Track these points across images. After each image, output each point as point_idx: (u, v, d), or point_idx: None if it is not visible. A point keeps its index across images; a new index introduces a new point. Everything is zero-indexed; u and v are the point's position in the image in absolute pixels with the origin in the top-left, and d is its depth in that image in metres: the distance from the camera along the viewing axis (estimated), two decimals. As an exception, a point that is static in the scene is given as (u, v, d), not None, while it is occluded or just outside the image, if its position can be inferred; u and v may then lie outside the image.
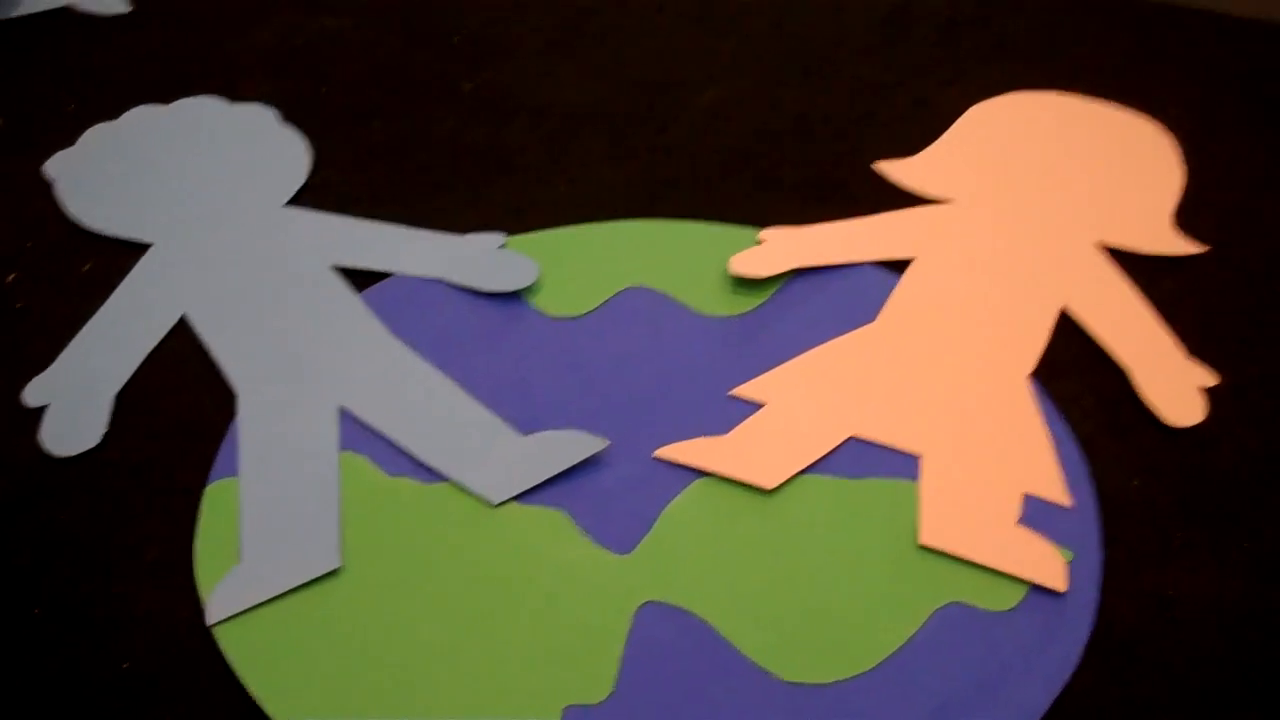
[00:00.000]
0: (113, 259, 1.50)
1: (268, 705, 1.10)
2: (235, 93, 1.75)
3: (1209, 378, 1.34)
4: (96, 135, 1.69)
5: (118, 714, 1.10)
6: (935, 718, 1.08)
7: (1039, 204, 1.54)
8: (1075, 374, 1.35)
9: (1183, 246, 1.48)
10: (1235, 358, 1.36)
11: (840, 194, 1.58)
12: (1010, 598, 1.16)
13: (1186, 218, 1.53)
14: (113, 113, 1.72)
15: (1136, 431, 1.30)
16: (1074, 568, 1.18)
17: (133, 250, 1.51)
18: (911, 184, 1.58)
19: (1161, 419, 1.30)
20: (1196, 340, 1.38)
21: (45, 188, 1.61)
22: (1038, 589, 1.16)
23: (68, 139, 1.68)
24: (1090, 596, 1.16)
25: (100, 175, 1.62)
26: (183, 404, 1.35)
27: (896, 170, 1.60)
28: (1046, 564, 1.17)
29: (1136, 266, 1.46)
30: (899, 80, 1.76)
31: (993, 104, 1.70)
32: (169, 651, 1.15)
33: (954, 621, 1.14)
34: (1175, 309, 1.41)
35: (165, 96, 1.75)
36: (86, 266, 1.50)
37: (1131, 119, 1.67)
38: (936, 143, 1.65)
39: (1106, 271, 1.45)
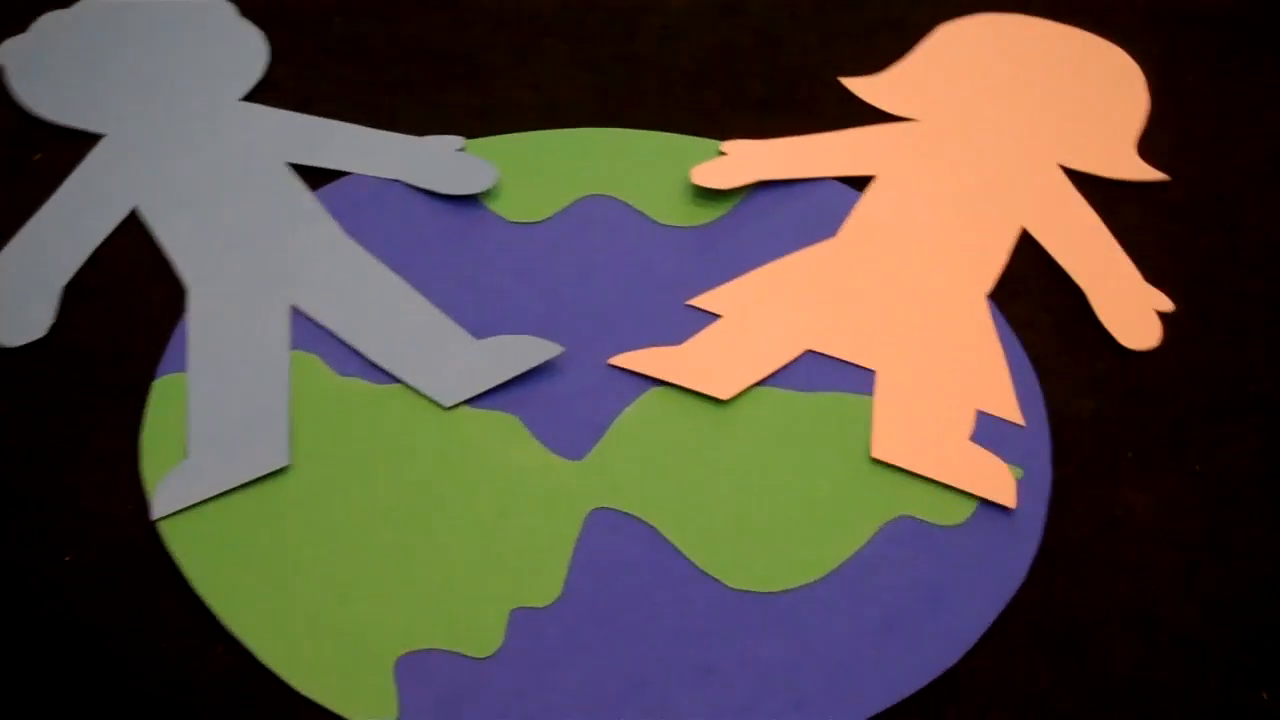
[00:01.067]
0: (64, 149, 1.47)
1: (212, 601, 1.10)
2: (193, -14, 1.71)
3: (1165, 302, 1.34)
4: (50, 22, 1.64)
5: (60, 605, 1.10)
6: (882, 629, 1.08)
7: (1003, 125, 1.53)
8: (1033, 294, 1.35)
9: (1145, 173, 1.48)
10: (1192, 285, 1.36)
11: (805, 109, 1.56)
12: (960, 513, 1.16)
13: (1150, 145, 1.52)
14: (67, 0, 1.68)
15: (1092, 353, 1.30)
16: (1024, 485, 1.18)
17: (85, 140, 1.48)
18: (877, 101, 1.56)
19: (1118, 341, 1.30)
20: (1155, 266, 1.37)
21: (-4, 75, 1.57)
22: (987, 505, 1.17)
23: (20, 24, 1.63)
24: (1039, 513, 1.16)
25: (53, 63, 1.58)
26: (132, 298, 1.33)
27: (862, 86, 1.58)
28: (997, 480, 1.17)
29: (1098, 191, 1.45)
30: (868, -3, 1.74)
31: (961, 23, 1.68)
32: (113, 544, 1.14)
33: (903, 535, 1.15)
34: (1135, 235, 1.41)
35: (121, -13, 1.71)
36: (37, 155, 1.46)
37: (1100, 45, 1.65)
38: (903, 60, 1.63)
39: (1068, 194, 1.44)
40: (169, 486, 1.16)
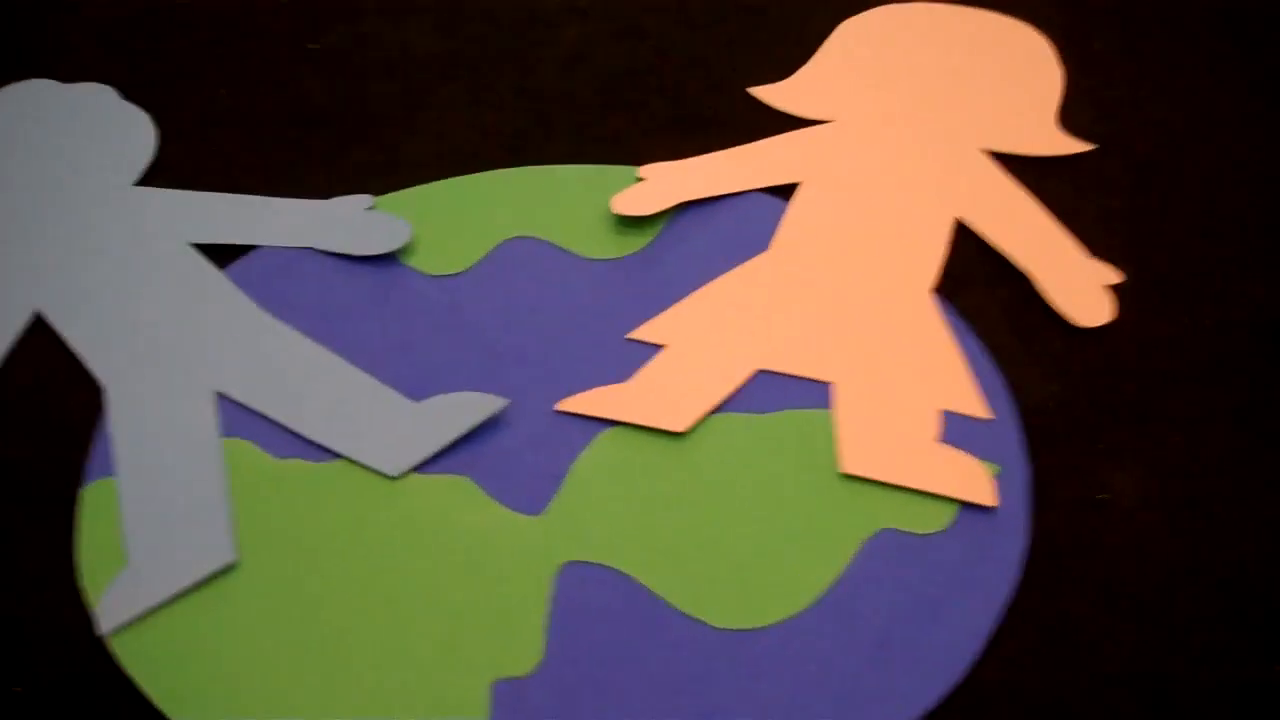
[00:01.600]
0: (-47, 259, 1.40)
1: (174, 714, 1.03)
2: (67, 73, 1.63)
3: (1113, 275, 1.31)
4: (-79, 129, 1.57)
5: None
6: (879, 650, 1.04)
7: (921, 116, 1.50)
8: (978, 284, 1.32)
9: (1070, 145, 1.46)
10: (1136, 252, 1.34)
11: (717, 123, 1.52)
12: (941, 518, 1.12)
13: (1070, 117, 1.50)
14: (-65, 104, 1.61)
15: (1046, 336, 1.27)
16: (1002, 481, 1.15)
17: (-26, 248, 1.41)
18: (789, 107, 1.53)
19: (1070, 321, 1.27)
20: (1095, 239, 1.35)
21: None
22: (968, 507, 1.13)
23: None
24: (1021, 509, 1.13)
25: (-70, 167, 1.51)
26: (48, 404, 1.26)
27: (772, 94, 1.55)
28: (974, 480, 1.14)
29: (1026, 170, 1.43)
30: (765, 3, 1.70)
31: (863, 18, 1.65)
32: (63, 668, 1.07)
33: (886, 549, 1.11)
34: (1070, 209, 1.38)
35: (-9, 84, 1.64)
36: (-75, 270, 1.39)
37: (1004, 22, 1.63)
38: (809, 62, 1.60)
39: (997, 177, 1.42)
40: (113, 598, 1.10)
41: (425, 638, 1.07)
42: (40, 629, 1.10)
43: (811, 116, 1.51)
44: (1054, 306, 1.29)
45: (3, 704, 1.05)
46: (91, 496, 1.18)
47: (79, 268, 1.38)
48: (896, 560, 1.10)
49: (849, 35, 1.63)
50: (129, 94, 1.60)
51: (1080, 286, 1.30)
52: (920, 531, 1.11)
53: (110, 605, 1.09)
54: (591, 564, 1.11)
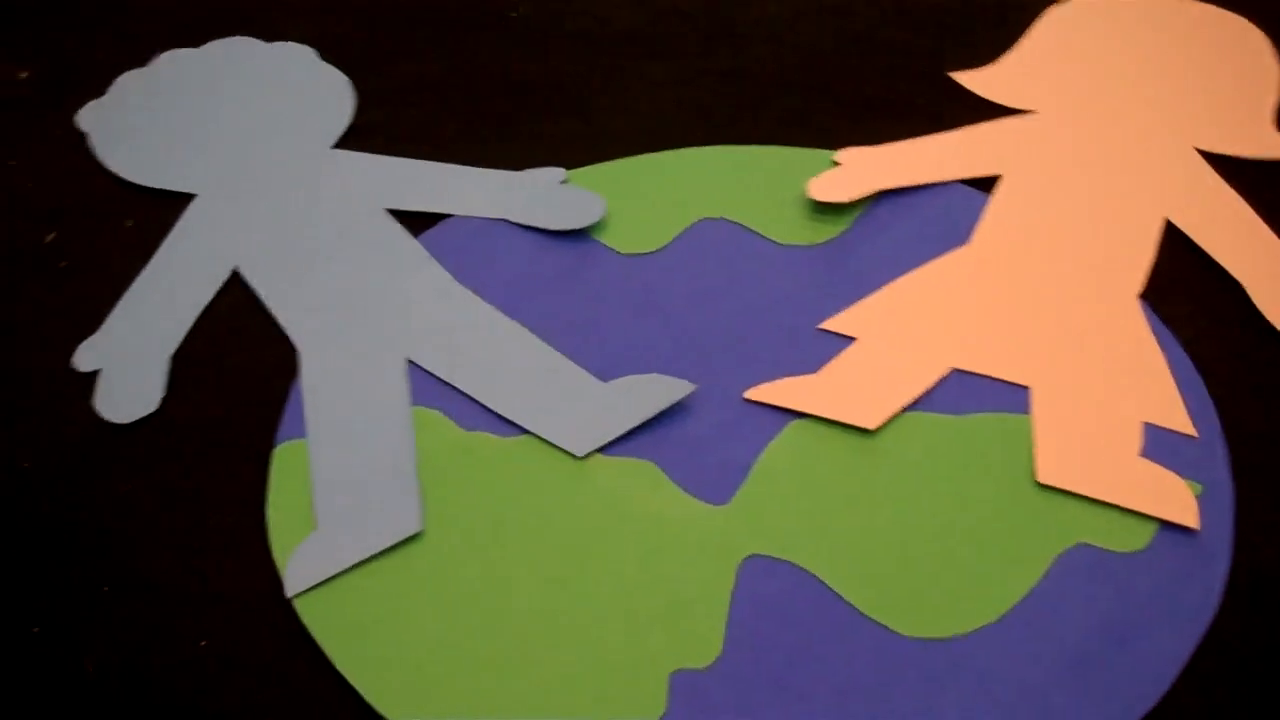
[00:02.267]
0: (156, 212, 1.43)
1: (356, 679, 1.05)
2: (270, 32, 1.66)
3: (1330, 289, 1.26)
4: (128, 83, 1.61)
5: (199, 693, 1.05)
6: (1071, 670, 1.01)
7: (1129, 110, 1.45)
8: (1186, 291, 1.27)
9: (1287, 149, 1.40)
10: (1357, 266, 1.28)
11: (916, 109, 1.49)
12: (1140, 537, 1.08)
13: (1288, 118, 1.44)
14: (143, 58, 1.64)
15: (1258, 350, 1.22)
16: (1205, 502, 1.10)
17: (176, 202, 1.44)
18: (992, 94, 1.49)
19: (1284, 335, 1.22)
20: (1312, 249, 1.29)
21: (79, 141, 1.53)
22: (1168, 526, 1.09)
23: (98, 88, 1.60)
24: (1225, 532, 1.09)
25: (136, 125, 1.54)
26: (242, 363, 1.28)
27: (974, 81, 1.51)
28: (1176, 498, 1.10)
29: (1238, 172, 1.37)
30: (968, -15, 1.67)
31: (1072, 4, 1.60)
32: (247, 626, 1.09)
33: (1081, 565, 1.07)
34: (1284, 216, 1.33)
35: (196, 39, 1.66)
36: (129, 222, 1.42)
37: (1220, 15, 1.57)
38: (1014, 49, 1.56)
39: (1210, 179, 1.36)
40: (300, 562, 1.11)
41: (604, 622, 1.07)
42: (228, 587, 1.12)
43: (1015, 105, 1.47)
44: (1267, 317, 1.23)
45: (189, 657, 1.07)
46: (282, 457, 1.20)
47: (276, 227, 1.40)
48: (1092, 577, 1.06)
49: (1057, 21, 1.59)
50: (328, 55, 1.62)
51: (1295, 298, 1.25)
52: (1118, 549, 1.08)
53: (297, 568, 1.11)
54: (776, 559, 1.10)
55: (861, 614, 1.06)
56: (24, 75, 1.64)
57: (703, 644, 1.05)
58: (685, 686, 1.02)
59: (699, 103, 1.52)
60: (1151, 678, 1.00)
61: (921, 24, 1.61)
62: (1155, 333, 1.23)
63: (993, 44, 1.57)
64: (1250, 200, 1.34)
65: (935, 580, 1.07)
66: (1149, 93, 1.47)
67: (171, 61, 1.64)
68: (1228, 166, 1.38)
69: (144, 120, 1.55)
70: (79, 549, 1.15)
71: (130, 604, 1.11)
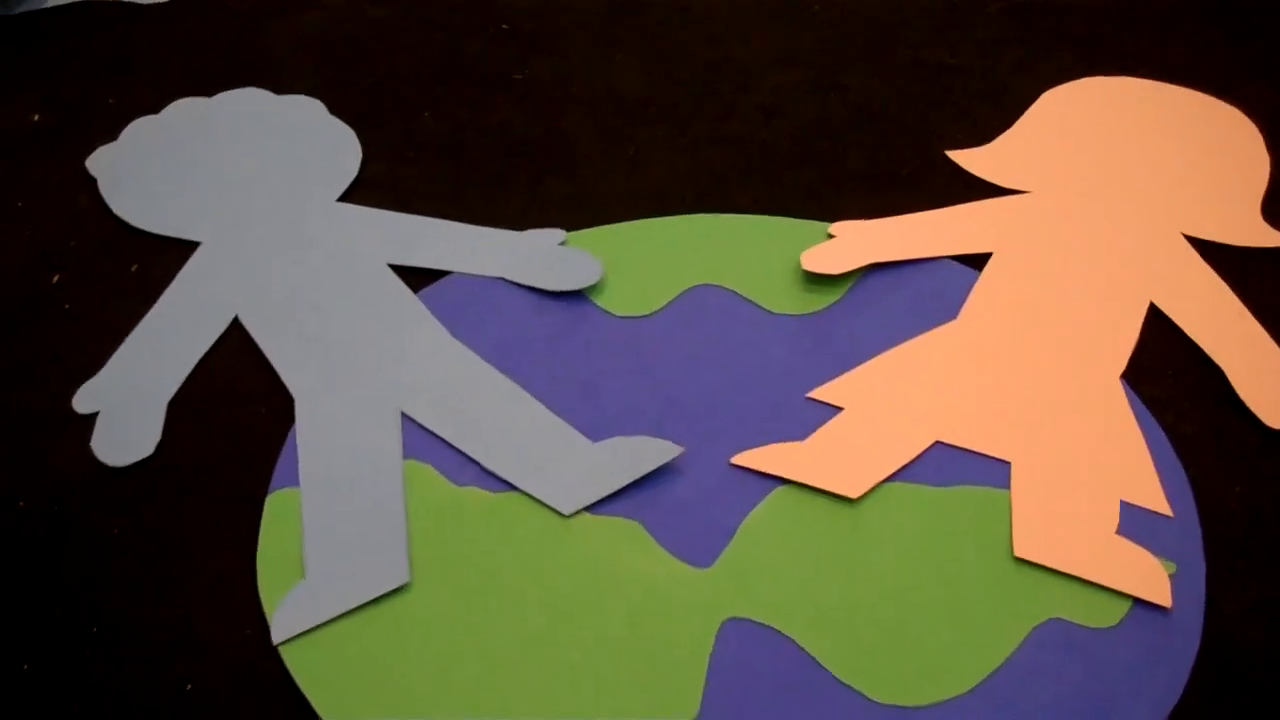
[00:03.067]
0: (160, 258, 1.46)
1: (336, 727, 1.06)
2: (280, 84, 1.69)
3: (1310, 377, 1.28)
4: (139, 129, 1.64)
5: (183, 739, 1.07)
6: (1039, 744, 1.03)
7: (1120, 194, 1.48)
8: (1168, 374, 1.29)
9: (1273, 238, 1.42)
10: (1336, 355, 1.30)
11: (911, 183, 1.52)
12: (1112, 614, 1.10)
13: (1276, 208, 1.46)
14: (155, 106, 1.67)
15: (1236, 434, 1.24)
16: (1178, 581, 1.12)
17: (181, 249, 1.47)
18: (986, 174, 1.52)
19: (1262, 420, 1.24)
20: (1294, 337, 1.32)
21: (88, 184, 1.56)
22: (1141, 604, 1.11)
23: (109, 133, 1.63)
24: (1196, 611, 1.10)
25: (144, 171, 1.57)
26: (238, 410, 1.30)
27: (969, 159, 1.54)
28: (1149, 577, 1.12)
29: (1224, 260, 1.40)
30: (967, 64, 1.70)
31: (1067, 89, 1.64)
32: (233, 671, 1.11)
33: (1054, 639, 1.09)
34: (1268, 304, 1.35)
35: (208, 89, 1.70)
36: (134, 267, 1.45)
37: (1212, 104, 1.60)
38: (1010, 130, 1.59)
39: (1195, 264, 1.39)
40: (288, 609, 1.13)
41: (585, 677, 1.09)
42: (215, 631, 1.13)
43: (1009, 185, 1.50)
44: (1246, 404, 1.26)
45: (175, 700, 1.08)
46: (275, 505, 1.22)
47: (278, 278, 1.42)
48: (1064, 652, 1.08)
49: (1052, 105, 1.62)
50: (336, 109, 1.65)
51: (1275, 385, 1.27)
52: (1091, 625, 1.10)
53: (285, 616, 1.13)
54: (755, 622, 1.11)
55: (836, 679, 1.07)
56: (36, 118, 1.67)
57: (681, 702, 1.07)
58: (662, 745, 1.04)
59: (698, 170, 1.55)
60: (1119, 755, 1.02)
61: (920, 101, 1.64)
62: (1136, 413, 1.25)
63: (992, 122, 1.60)
64: (1235, 287, 1.36)
65: (910, 649, 1.09)
66: (1140, 177, 1.50)
67: (182, 110, 1.67)
68: (1215, 253, 1.41)
69: (152, 166, 1.58)
70: (70, 588, 1.16)
71: (118, 645, 1.12)
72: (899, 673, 1.08)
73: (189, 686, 1.09)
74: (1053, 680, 1.06)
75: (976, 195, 1.50)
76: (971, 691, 1.06)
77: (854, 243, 1.42)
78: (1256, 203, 1.47)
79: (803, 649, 1.10)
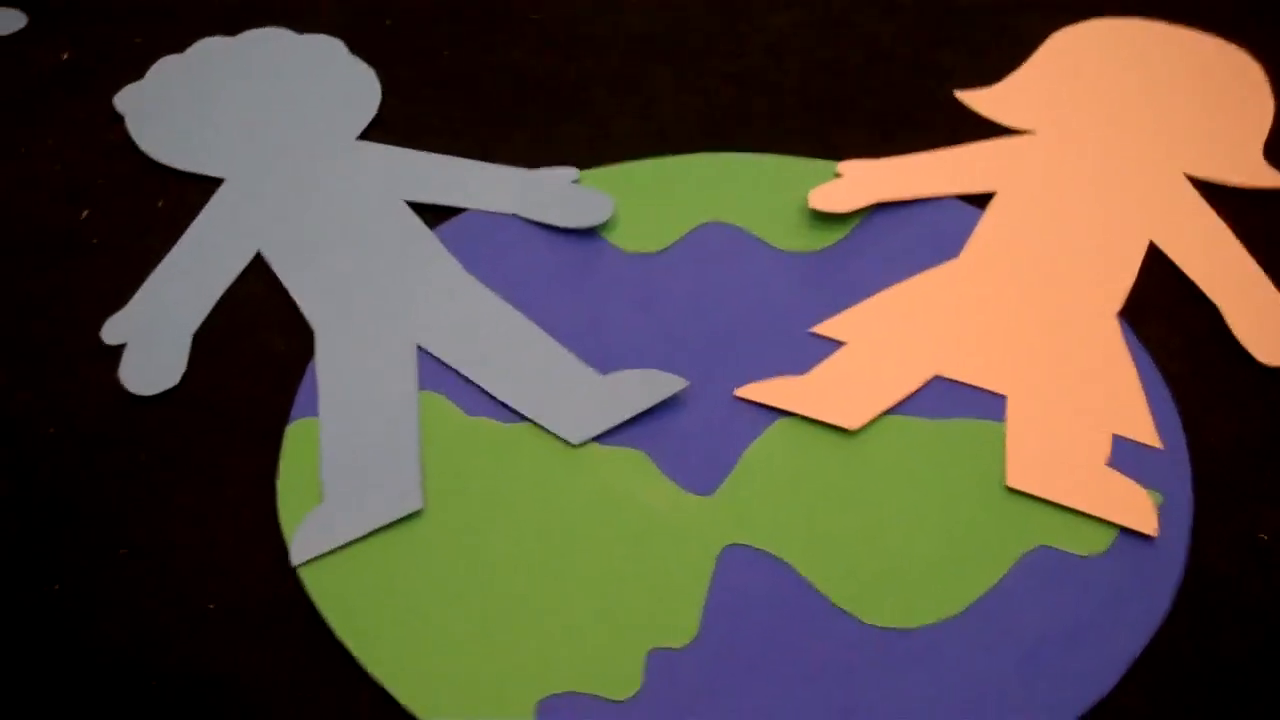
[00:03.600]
0: (185, 194, 1.50)
1: (353, 645, 1.11)
2: (302, 23, 1.73)
3: (1304, 315, 1.31)
4: (165, 68, 1.67)
5: (204, 654, 1.11)
6: (1023, 664, 1.07)
7: (1124, 135, 1.50)
8: (1165, 311, 1.33)
9: (1274, 178, 1.44)
10: (1330, 294, 1.33)
11: (919, 124, 1.55)
12: (1099, 541, 1.14)
13: (1278, 149, 1.48)
14: (180, 45, 1.70)
15: (1228, 371, 1.27)
16: (1164, 511, 1.16)
17: (205, 185, 1.51)
18: (993, 114, 1.54)
19: (1255, 358, 1.27)
20: (1289, 276, 1.35)
21: (115, 121, 1.60)
22: (1128, 533, 1.14)
23: (136, 72, 1.66)
24: (1181, 540, 1.14)
25: (170, 109, 1.61)
26: (260, 342, 1.35)
27: (977, 100, 1.57)
28: (1137, 507, 1.15)
29: (1226, 200, 1.42)
30: (977, 4, 1.71)
31: (1075, 30, 1.66)
32: (253, 592, 1.16)
33: (1042, 566, 1.13)
34: (1267, 244, 1.37)
35: (232, 28, 1.73)
36: (160, 203, 1.49)
37: (1219, 46, 1.62)
38: (1018, 71, 1.61)
39: (1195, 204, 1.42)
40: (306, 533, 1.18)
41: (590, 600, 1.13)
42: (236, 553, 1.18)
43: (1014, 126, 1.53)
44: (1240, 341, 1.29)
45: (196, 620, 1.14)
46: (295, 433, 1.26)
47: (300, 214, 1.46)
48: (1051, 578, 1.12)
49: (1060, 46, 1.64)
50: (356, 48, 1.68)
51: (1269, 324, 1.30)
52: (1078, 552, 1.13)
53: (304, 539, 1.18)
54: (754, 549, 1.16)
55: (831, 603, 1.12)
56: (65, 56, 1.71)
57: (680, 625, 1.11)
58: (661, 664, 1.09)
59: (708, 109, 1.58)
60: (1100, 675, 1.06)
61: (929, 41, 1.66)
62: (1131, 349, 1.28)
63: (1000, 62, 1.62)
64: (1235, 227, 1.39)
65: (903, 574, 1.13)
66: (1145, 118, 1.52)
67: (207, 49, 1.70)
68: (1217, 193, 1.43)
69: (178, 105, 1.62)
70: (98, 512, 1.21)
71: (145, 566, 1.17)
72: (892, 597, 1.12)
73: (211, 606, 1.14)
74: (1039, 603, 1.11)
75: (983, 135, 1.52)
76: (961, 614, 1.10)
77: (861, 182, 1.45)
78: (1259, 144, 1.49)
79: (800, 574, 1.14)
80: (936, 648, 1.08)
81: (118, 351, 1.34)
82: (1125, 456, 1.20)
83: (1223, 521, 1.16)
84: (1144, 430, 1.21)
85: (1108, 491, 1.17)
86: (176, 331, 1.35)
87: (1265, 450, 1.21)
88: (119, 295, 1.39)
